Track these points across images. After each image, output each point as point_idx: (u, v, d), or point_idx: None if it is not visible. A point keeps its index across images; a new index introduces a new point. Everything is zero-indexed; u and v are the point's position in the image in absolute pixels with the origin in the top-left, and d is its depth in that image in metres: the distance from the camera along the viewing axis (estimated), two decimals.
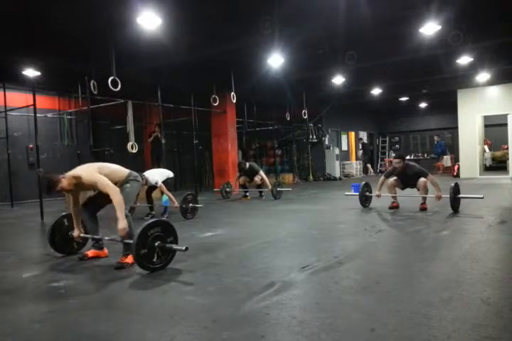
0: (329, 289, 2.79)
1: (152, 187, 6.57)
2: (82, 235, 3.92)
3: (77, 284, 3.14)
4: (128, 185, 3.78)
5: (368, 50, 8.34)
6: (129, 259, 3.54)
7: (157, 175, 6.44)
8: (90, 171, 3.63)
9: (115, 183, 3.64)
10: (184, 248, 3.32)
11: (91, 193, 4.03)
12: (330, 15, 6.11)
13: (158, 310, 2.50)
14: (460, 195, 6.10)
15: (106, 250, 3.96)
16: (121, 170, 3.89)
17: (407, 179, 6.43)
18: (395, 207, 6.52)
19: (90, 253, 3.88)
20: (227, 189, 9.14)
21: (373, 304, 2.48)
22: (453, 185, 6.02)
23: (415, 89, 13.42)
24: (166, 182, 6.46)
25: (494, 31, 7.44)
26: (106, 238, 3.80)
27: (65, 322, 2.42)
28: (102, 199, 3.74)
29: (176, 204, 6.17)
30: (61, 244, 4.03)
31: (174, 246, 3.39)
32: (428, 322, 2.16)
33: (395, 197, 6.54)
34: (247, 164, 9.05)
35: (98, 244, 3.92)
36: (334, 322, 2.24)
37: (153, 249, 3.31)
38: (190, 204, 6.27)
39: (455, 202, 5.98)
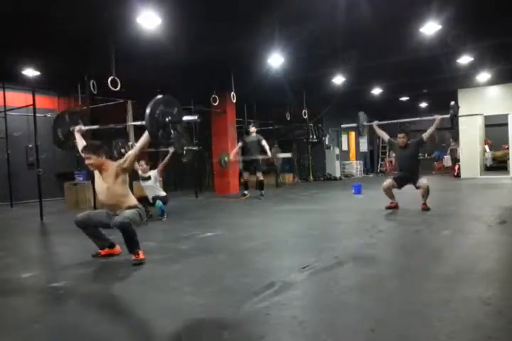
0: (329, 289, 2.79)
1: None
2: (83, 128, 4.25)
3: (77, 284, 3.13)
4: (135, 211, 3.74)
5: (368, 50, 8.33)
6: (142, 255, 3.63)
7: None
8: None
9: (126, 197, 3.76)
10: (196, 117, 3.44)
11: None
12: (330, 15, 6.10)
13: (158, 311, 2.50)
14: (460, 114, 6.51)
15: (118, 247, 3.95)
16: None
17: (404, 161, 6.39)
18: (393, 207, 6.41)
19: (103, 251, 3.90)
20: (225, 158, 9.22)
21: (373, 304, 2.48)
22: (453, 103, 6.17)
23: (415, 89, 13.40)
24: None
25: (494, 31, 7.43)
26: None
27: (65, 322, 2.41)
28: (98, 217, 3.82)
29: (172, 149, 6.46)
30: (63, 140, 4.31)
31: (185, 118, 3.47)
32: (428, 322, 2.16)
33: (392, 198, 6.49)
34: (253, 134, 9.01)
35: (108, 243, 3.91)
36: (334, 322, 2.24)
37: (167, 126, 3.38)
38: (185, 148, 6.44)
39: (454, 119, 6.41)
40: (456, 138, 15.26)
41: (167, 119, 3.39)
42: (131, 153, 3.78)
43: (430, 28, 6.87)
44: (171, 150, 6.69)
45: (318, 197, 9.46)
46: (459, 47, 8.20)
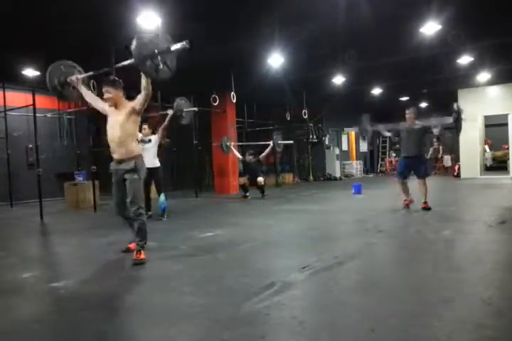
0: (329, 289, 2.79)
1: (148, 185, 6.52)
2: (79, 76, 4.14)
3: (77, 284, 3.13)
4: (137, 176, 3.77)
5: (368, 50, 8.32)
6: (143, 255, 3.65)
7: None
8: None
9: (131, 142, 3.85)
10: (185, 42, 3.23)
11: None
12: (330, 15, 6.10)
13: (158, 311, 2.50)
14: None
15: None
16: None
17: (409, 143, 6.39)
18: (407, 204, 6.41)
19: (133, 246, 3.89)
20: (227, 143, 9.55)
21: (373, 304, 2.48)
22: (455, 105, 6.40)
23: (415, 89, 13.40)
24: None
25: (494, 31, 7.43)
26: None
27: (65, 322, 2.41)
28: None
29: (170, 111, 6.34)
30: (60, 90, 4.29)
31: (173, 46, 3.35)
32: (428, 322, 2.16)
33: (406, 193, 6.44)
34: (253, 160, 9.29)
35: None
36: (334, 322, 2.24)
37: (156, 57, 3.33)
38: (184, 110, 6.32)
39: (458, 122, 6.36)
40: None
41: (156, 51, 3.32)
42: (139, 97, 3.72)
43: (430, 28, 6.87)
44: (170, 112, 6.61)
45: (318, 197, 9.46)
46: (459, 47, 8.20)
